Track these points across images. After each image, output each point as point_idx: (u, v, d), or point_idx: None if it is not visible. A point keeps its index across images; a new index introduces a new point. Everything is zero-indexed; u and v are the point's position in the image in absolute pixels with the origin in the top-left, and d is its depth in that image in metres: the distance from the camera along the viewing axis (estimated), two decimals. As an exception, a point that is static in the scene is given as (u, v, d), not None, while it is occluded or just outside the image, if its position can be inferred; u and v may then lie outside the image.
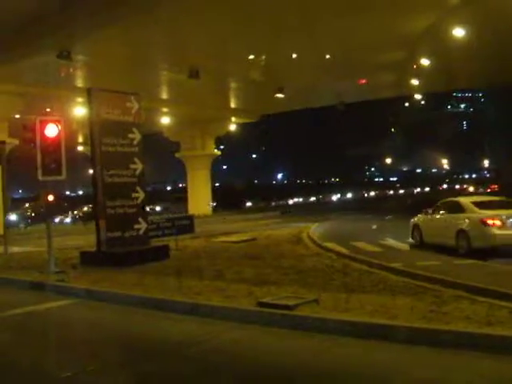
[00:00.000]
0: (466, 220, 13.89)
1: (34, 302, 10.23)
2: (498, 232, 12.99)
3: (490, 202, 15.00)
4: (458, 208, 14.67)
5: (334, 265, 12.49)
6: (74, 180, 61.33)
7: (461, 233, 13.80)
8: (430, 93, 42.53)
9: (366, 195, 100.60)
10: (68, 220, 49.54)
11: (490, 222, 13.17)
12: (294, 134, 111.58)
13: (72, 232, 29.62)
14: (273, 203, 71.27)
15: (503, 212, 13.44)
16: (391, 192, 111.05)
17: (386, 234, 19.59)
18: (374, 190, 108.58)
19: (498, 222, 13.11)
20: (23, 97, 29.28)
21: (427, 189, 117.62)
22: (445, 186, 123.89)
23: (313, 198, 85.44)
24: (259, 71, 28.28)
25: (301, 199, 77.98)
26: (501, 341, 6.16)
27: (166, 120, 41.03)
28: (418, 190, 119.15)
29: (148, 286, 10.64)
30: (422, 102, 41.71)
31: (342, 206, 61.92)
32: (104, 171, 14.44)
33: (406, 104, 60.74)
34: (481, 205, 14.29)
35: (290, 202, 74.46)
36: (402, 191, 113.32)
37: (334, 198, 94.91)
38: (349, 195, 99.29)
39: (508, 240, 12.89)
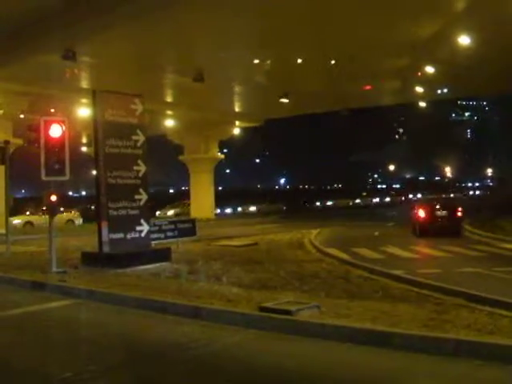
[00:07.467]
0: None
1: (34, 302, 10.25)
2: None
3: None
4: None
5: (336, 271, 12.49)
6: (77, 181, 61.46)
7: None
8: (434, 100, 42.51)
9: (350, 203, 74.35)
10: None
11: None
12: (297, 139, 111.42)
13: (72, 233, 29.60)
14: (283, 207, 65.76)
15: None
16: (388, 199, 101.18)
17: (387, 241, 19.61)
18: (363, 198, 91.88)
19: None
20: (28, 97, 29.37)
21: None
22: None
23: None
24: (264, 76, 28.32)
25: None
26: (502, 350, 6.13)
27: (169, 123, 41.09)
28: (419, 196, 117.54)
29: (149, 288, 10.63)
30: (427, 110, 41.83)
31: None
32: (107, 172, 14.44)
33: (411, 111, 60.84)
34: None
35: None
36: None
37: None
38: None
39: None
